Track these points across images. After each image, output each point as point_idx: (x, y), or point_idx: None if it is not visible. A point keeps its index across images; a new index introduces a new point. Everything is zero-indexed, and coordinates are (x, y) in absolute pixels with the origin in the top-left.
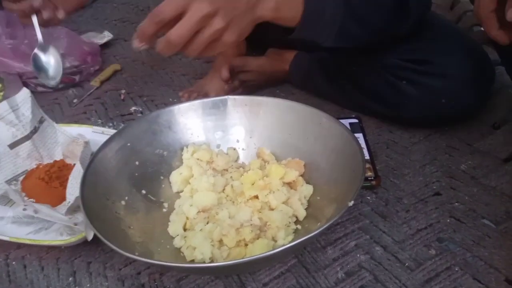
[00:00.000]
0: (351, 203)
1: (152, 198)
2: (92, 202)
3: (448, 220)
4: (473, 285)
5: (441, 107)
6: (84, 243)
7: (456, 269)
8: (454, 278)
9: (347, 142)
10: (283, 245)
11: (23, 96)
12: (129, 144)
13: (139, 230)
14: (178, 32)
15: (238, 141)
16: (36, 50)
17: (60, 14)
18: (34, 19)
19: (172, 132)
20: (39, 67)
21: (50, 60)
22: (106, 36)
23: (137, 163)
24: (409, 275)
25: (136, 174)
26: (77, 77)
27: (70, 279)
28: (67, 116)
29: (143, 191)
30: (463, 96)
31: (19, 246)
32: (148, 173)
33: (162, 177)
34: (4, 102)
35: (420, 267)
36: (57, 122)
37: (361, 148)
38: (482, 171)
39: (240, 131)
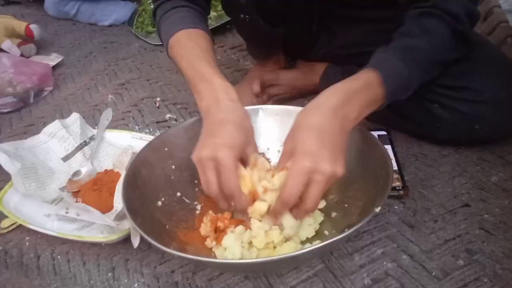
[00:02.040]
0: (378, 209)
1: (187, 200)
2: (132, 203)
3: (478, 232)
4: None
5: (474, 131)
6: (123, 241)
7: (485, 280)
8: None
9: (375, 150)
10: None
11: (73, 118)
12: (166, 149)
13: (174, 229)
14: (312, 204)
15: (268, 149)
16: None
17: None
18: None
19: None
20: None
21: None
22: (56, 58)
23: (173, 167)
24: (436, 284)
25: (172, 177)
26: (31, 99)
27: (109, 274)
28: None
29: (178, 194)
30: (497, 122)
31: (63, 241)
32: (183, 176)
33: (196, 181)
34: (56, 121)
35: (447, 276)
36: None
37: (388, 156)
38: None
39: (271, 140)
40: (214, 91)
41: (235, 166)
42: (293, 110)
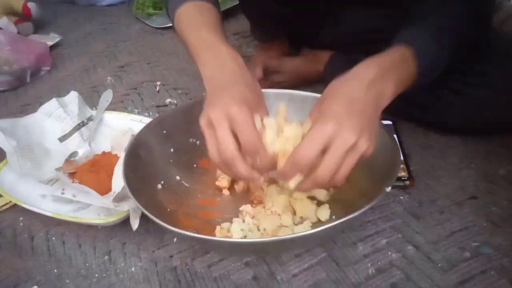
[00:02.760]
0: (388, 189)
1: (186, 184)
2: (133, 184)
3: (485, 224)
4: None
5: (484, 118)
6: (120, 224)
7: (492, 272)
8: (489, 282)
9: (382, 136)
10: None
11: (71, 96)
12: (164, 132)
13: (175, 211)
14: (326, 173)
15: None
16: None
17: None
18: None
19: None
20: None
21: None
22: (54, 37)
23: (172, 150)
24: (442, 276)
25: (171, 160)
26: (28, 78)
27: (106, 257)
28: None
29: (177, 177)
30: (509, 109)
31: (58, 223)
32: (182, 160)
33: (195, 165)
34: (53, 100)
35: (453, 268)
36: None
37: (395, 141)
38: None
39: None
40: (220, 58)
41: (253, 121)
42: (307, 96)
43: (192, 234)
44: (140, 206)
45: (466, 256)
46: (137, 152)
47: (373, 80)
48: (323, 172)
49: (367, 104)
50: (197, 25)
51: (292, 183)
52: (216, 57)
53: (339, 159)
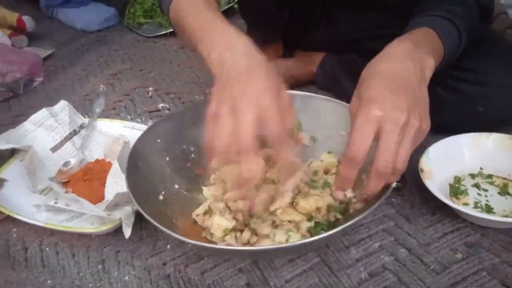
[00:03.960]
0: (394, 184)
1: (184, 192)
2: (136, 196)
3: (476, 225)
4: None
5: (476, 115)
6: (113, 232)
7: (484, 274)
8: (481, 283)
9: None
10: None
11: (61, 105)
12: (158, 141)
13: (177, 222)
14: (387, 158)
15: None
16: None
17: None
18: None
19: (197, 127)
20: None
21: None
22: (48, 49)
23: (167, 158)
24: (434, 278)
25: (168, 169)
26: (21, 89)
27: (99, 266)
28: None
29: (176, 186)
30: (502, 106)
31: (52, 233)
32: (178, 168)
33: (193, 175)
34: (43, 109)
35: (445, 270)
36: None
37: None
38: None
39: None
40: (228, 39)
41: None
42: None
43: (203, 244)
44: (153, 221)
45: (458, 257)
46: (136, 164)
47: (410, 52)
48: (384, 161)
49: (409, 78)
50: (198, 9)
51: (349, 193)
52: (223, 39)
53: (395, 143)
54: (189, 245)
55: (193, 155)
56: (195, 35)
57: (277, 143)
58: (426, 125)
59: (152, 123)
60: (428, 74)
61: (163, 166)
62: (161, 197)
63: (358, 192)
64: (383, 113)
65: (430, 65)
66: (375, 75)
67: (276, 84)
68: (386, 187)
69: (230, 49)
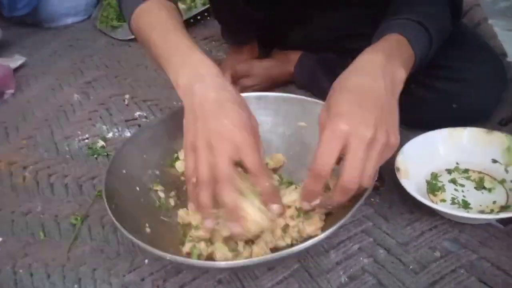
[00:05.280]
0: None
1: (165, 219)
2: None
3: (454, 221)
4: None
5: (451, 112)
6: (89, 250)
7: (462, 271)
8: (459, 280)
9: None
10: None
11: None
12: (124, 171)
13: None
14: (353, 175)
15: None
16: None
17: None
18: None
19: (158, 149)
20: None
21: None
22: (18, 59)
23: (137, 188)
24: (413, 278)
25: (142, 200)
26: None
27: (75, 286)
28: (72, 123)
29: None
30: (475, 102)
31: (25, 254)
32: (150, 197)
33: (163, 200)
34: None
35: (424, 270)
36: None
37: None
38: None
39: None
40: (195, 66)
41: (258, 147)
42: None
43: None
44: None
45: (437, 256)
46: (112, 200)
47: (381, 65)
48: (349, 177)
49: (379, 92)
50: (163, 24)
51: (315, 201)
52: (190, 65)
53: (361, 159)
54: (168, 260)
55: (159, 181)
56: (160, 55)
57: (256, 176)
58: (395, 140)
59: (122, 143)
60: (399, 87)
61: (136, 197)
62: (147, 229)
63: (322, 201)
64: (350, 128)
65: (401, 77)
66: (345, 88)
67: (247, 117)
68: (360, 194)
69: (198, 78)
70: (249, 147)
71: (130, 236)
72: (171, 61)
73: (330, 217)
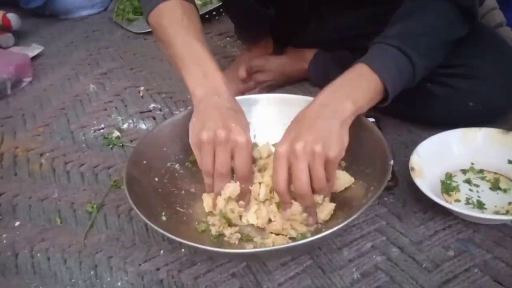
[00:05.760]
0: (391, 162)
1: (181, 210)
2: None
3: (468, 221)
4: (493, 287)
5: (467, 110)
6: (105, 238)
7: (476, 270)
8: (473, 279)
9: (371, 133)
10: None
11: None
12: (145, 162)
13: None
14: (298, 183)
15: (255, 136)
16: None
17: None
18: None
19: (177, 144)
20: None
21: None
22: (36, 48)
23: (156, 179)
24: (426, 276)
25: (160, 190)
26: (8, 90)
27: (92, 272)
28: (88, 112)
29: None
30: (492, 99)
31: (43, 238)
32: (167, 187)
33: (183, 192)
34: None
35: (437, 268)
36: None
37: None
38: None
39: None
40: (212, 80)
41: (251, 151)
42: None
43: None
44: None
45: (450, 255)
46: (132, 189)
47: (323, 98)
48: (297, 186)
49: (316, 116)
50: (184, 29)
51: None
52: (207, 78)
53: (302, 170)
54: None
55: (177, 175)
56: (178, 62)
57: (241, 179)
58: (332, 154)
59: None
60: (345, 113)
61: (155, 187)
62: (164, 217)
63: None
64: (289, 147)
65: (346, 106)
66: (295, 118)
67: (243, 119)
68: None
69: (216, 92)
70: (245, 150)
71: (148, 222)
72: (190, 69)
73: (342, 212)
